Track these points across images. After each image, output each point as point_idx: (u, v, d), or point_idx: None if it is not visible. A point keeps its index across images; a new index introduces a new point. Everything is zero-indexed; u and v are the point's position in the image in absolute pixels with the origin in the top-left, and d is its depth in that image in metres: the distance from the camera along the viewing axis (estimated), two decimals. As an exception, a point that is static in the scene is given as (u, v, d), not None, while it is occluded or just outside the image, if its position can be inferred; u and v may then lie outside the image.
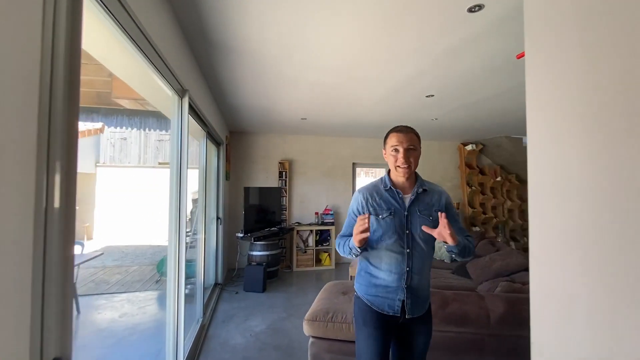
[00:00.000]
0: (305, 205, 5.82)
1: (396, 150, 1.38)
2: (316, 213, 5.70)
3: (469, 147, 6.20)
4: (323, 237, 5.63)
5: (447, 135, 5.75)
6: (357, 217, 1.37)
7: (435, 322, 1.64)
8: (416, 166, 1.40)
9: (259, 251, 4.63)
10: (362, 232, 1.25)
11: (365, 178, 6.83)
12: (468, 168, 6.30)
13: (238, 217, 5.15)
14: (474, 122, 4.59)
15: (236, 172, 5.58)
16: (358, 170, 6.35)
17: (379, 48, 2.20)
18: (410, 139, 1.38)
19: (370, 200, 1.43)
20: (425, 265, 1.42)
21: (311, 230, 5.51)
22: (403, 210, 1.39)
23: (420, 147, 1.43)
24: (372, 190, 1.45)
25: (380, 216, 1.39)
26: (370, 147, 6.11)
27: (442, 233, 1.25)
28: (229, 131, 5.42)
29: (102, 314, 3.52)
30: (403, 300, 1.37)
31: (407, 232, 1.37)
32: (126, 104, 4.61)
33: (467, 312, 1.98)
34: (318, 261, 5.59)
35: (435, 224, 1.33)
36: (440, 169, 6.36)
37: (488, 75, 2.68)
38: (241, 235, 4.56)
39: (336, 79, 2.85)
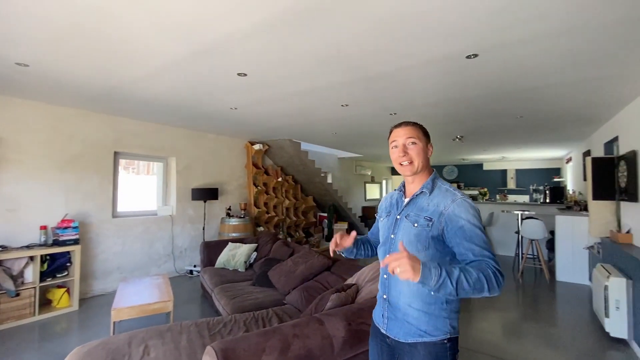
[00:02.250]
0: (17, 215, 3.56)
1: (395, 146, 1.25)
2: (42, 227, 3.61)
3: (256, 147, 6.08)
4: (57, 265, 3.63)
5: (238, 131, 5.32)
6: (379, 214, 1.40)
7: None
8: (422, 162, 1.22)
9: None
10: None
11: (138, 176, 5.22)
12: (255, 167, 6.18)
13: None
14: (268, 120, 4.42)
15: None
16: (126, 163, 4.69)
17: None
18: (410, 131, 1.23)
19: (385, 201, 1.41)
20: (406, 282, 1.16)
21: (31, 257, 3.40)
22: (396, 213, 1.29)
23: (428, 142, 1.26)
24: (396, 191, 1.37)
25: (381, 218, 1.38)
26: (149, 132, 4.65)
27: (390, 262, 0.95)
28: None
29: None
30: (383, 314, 1.27)
31: (392, 236, 1.26)
32: None
33: (312, 349, 1.55)
34: (45, 304, 3.56)
35: (419, 234, 1.16)
36: (228, 167, 5.86)
37: (314, 68, 2.44)
38: None
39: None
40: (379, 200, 11.65)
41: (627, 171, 3.45)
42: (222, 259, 3.95)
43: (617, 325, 2.93)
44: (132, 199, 4.93)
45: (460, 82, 2.82)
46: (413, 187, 1.28)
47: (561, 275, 4.94)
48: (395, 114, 3.90)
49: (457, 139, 5.63)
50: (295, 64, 2.41)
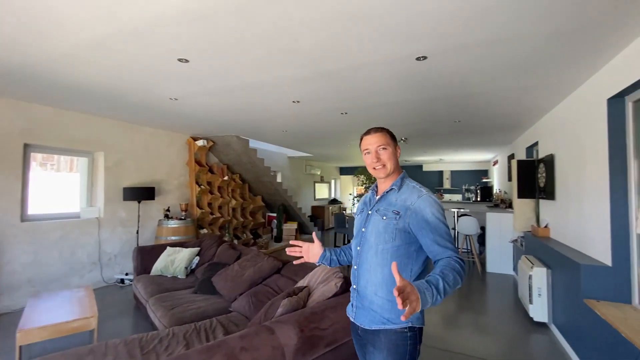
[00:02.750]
0: None
1: (368, 152, 1.37)
2: None
3: (200, 143, 5.68)
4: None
5: (179, 125, 4.90)
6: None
7: None
8: (393, 165, 1.35)
9: None
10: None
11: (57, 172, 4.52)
12: (198, 165, 5.77)
13: None
14: (214, 114, 4.14)
15: None
16: (42, 158, 4.01)
17: None
18: (380, 138, 1.35)
19: (361, 203, 1.51)
20: (373, 270, 1.29)
21: None
22: (368, 209, 1.40)
23: (396, 145, 1.38)
24: (369, 192, 1.48)
25: (356, 215, 1.48)
26: (70, 122, 4.02)
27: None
28: None
29: None
30: (353, 303, 1.37)
31: (363, 229, 1.37)
32: None
33: (262, 361, 1.42)
34: None
35: (387, 226, 1.28)
36: (167, 164, 5.37)
37: (266, 58, 2.28)
38: None
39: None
40: (328, 199, 11.77)
41: (546, 172, 3.90)
42: (159, 266, 3.58)
43: (539, 310, 3.28)
44: (49, 199, 4.23)
45: (409, 85, 2.90)
46: (384, 186, 1.39)
47: (491, 267, 5.43)
48: (346, 113, 3.92)
49: (402, 141, 5.89)
50: (244, 52, 2.24)
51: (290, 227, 7.85)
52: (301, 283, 2.45)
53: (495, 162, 9.25)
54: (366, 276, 1.30)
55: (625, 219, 2.33)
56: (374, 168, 1.35)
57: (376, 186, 1.45)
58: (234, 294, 2.77)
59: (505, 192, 7.17)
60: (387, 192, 1.35)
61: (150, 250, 3.84)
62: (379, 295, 1.26)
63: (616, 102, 2.39)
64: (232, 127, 4.98)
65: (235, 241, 6.39)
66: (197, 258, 3.77)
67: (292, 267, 2.90)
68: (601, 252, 2.52)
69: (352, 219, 5.80)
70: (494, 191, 8.26)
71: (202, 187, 5.73)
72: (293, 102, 3.43)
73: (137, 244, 4.78)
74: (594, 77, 2.62)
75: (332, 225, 10.89)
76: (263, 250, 6.31)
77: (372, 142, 1.34)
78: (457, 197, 11.02)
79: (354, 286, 1.36)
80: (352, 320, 1.36)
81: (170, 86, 2.99)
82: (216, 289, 2.94)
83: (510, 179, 6.54)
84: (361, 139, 1.40)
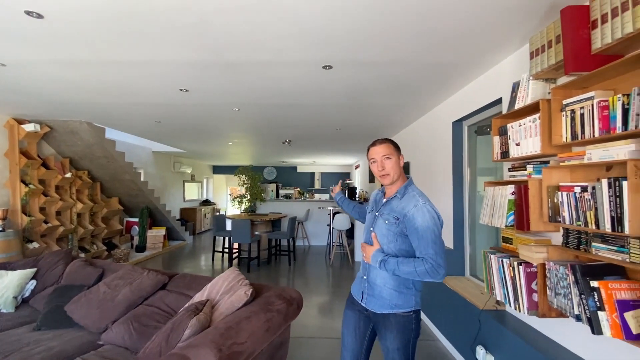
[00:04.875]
0: None
1: (374, 162, 1.54)
2: None
3: (29, 127, 4.23)
4: None
5: (-7, 101, 3.51)
6: (369, 205, 1.77)
7: None
8: (397, 173, 1.52)
9: None
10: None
11: None
12: (24, 157, 4.29)
13: None
14: (58, 91, 3.18)
15: None
16: None
17: None
18: (384, 149, 1.52)
19: (372, 197, 1.76)
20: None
21: None
22: (376, 210, 1.62)
23: (399, 154, 1.55)
24: (379, 191, 1.71)
25: (368, 211, 1.74)
26: None
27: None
28: None
29: None
30: (363, 291, 1.61)
31: (371, 229, 1.60)
32: None
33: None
34: None
35: (388, 229, 1.51)
36: (-32, 154, 3.77)
37: (152, 27, 1.89)
38: None
39: None
40: (199, 200, 10.85)
41: (403, 176, 4.77)
42: (-36, 300, 2.48)
43: (401, 289, 3.99)
44: None
45: (311, 90, 3.00)
46: (390, 192, 1.58)
47: (358, 257, 6.24)
48: (239, 109, 3.71)
49: (286, 143, 6.04)
50: (125, 17, 1.80)
51: (157, 233, 6.84)
52: (198, 297, 2.18)
53: (357, 166, 10.66)
54: (376, 270, 1.54)
55: (461, 213, 3.11)
56: (380, 176, 1.53)
57: (384, 189, 1.66)
58: (103, 322, 2.20)
59: (367, 192, 8.37)
60: (391, 198, 1.54)
61: (-58, 279, 2.60)
62: (387, 287, 1.51)
63: (457, 125, 3.16)
64: (83, 111, 3.93)
65: (82, 255, 5.08)
66: (33, 282, 2.81)
67: (181, 279, 2.54)
68: (446, 238, 3.26)
69: (235, 220, 5.54)
70: (357, 191, 9.51)
71: (31, 186, 4.29)
72: (180, 90, 3.01)
73: None
74: (444, 103, 3.39)
75: (206, 228, 10.10)
76: (123, 263, 5.26)
77: (378, 152, 1.52)
78: (326, 196, 12.14)
79: (364, 277, 1.61)
80: (364, 305, 1.59)
81: (6, 46, 2.12)
82: (73, 320, 2.27)
83: (372, 180, 7.67)
84: (368, 149, 1.59)
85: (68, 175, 4.96)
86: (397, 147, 1.56)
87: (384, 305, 1.52)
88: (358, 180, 10.65)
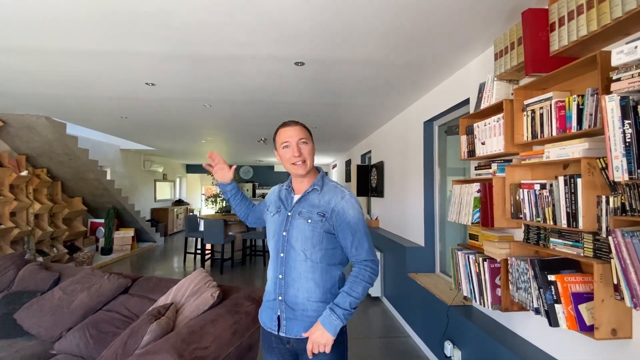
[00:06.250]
0: None
1: (287, 146, 1.25)
2: None
3: (-23, 121, 3.89)
4: None
5: None
6: (266, 205, 1.43)
7: None
8: (312, 162, 1.28)
9: None
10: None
11: None
12: (-28, 154, 3.95)
13: None
14: (14, 82, 2.95)
15: None
16: None
17: None
18: (300, 132, 1.26)
19: (273, 195, 1.42)
20: (304, 278, 1.23)
21: None
22: (287, 209, 1.30)
23: (313, 142, 1.32)
24: (282, 186, 1.41)
25: (271, 213, 1.36)
26: None
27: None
28: None
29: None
30: (279, 315, 1.25)
31: (284, 233, 1.27)
32: None
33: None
34: None
35: (313, 229, 1.22)
36: None
37: (117, 15, 1.78)
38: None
39: None
40: (171, 200, 10.49)
41: (377, 175, 4.82)
42: None
43: (374, 287, 4.02)
44: None
45: (286, 87, 2.95)
46: (303, 185, 1.31)
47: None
48: (210, 105, 3.60)
49: (262, 141, 5.94)
50: (88, 4, 1.69)
51: (125, 234, 6.53)
52: (162, 300, 2.08)
53: (334, 166, 10.69)
54: (296, 284, 1.22)
55: (432, 210, 3.17)
56: (294, 163, 1.24)
57: (290, 182, 1.36)
58: (57, 330, 2.05)
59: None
60: (307, 192, 1.28)
61: None
62: (312, 300, 1.21)
63: (428, 125, 3.22)
64: (41, 105, 3.67)
65: (40, 258, 4.75)
66: (-21, 290, 2.57)
67: (146, 282, 2.42)
68: (417, 236, 3.33)
69: (207, 220, 5.38)
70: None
71: (-21, 185, 3.95)
72: (146, 84, 2.86)
73: None
74: (416, 103, 3.44)
75: (179, 229, 9.77)
76: (88, 267, 4.97)
77: (292, 134, 1.24)
78: (303, 196, 12.09)
79: (280, 298, 1.24)
80: (283, 334, 1.23)
81: None
82: (24, 328, 2.10)
83: (348, 180, 7.71)
84: (276, 132, 1.30)
85: (24, 173, 4.62)
86: (311, 133, 1.32)
87: (310, 326, 1.19)
88: (335, 180, 10.67)
